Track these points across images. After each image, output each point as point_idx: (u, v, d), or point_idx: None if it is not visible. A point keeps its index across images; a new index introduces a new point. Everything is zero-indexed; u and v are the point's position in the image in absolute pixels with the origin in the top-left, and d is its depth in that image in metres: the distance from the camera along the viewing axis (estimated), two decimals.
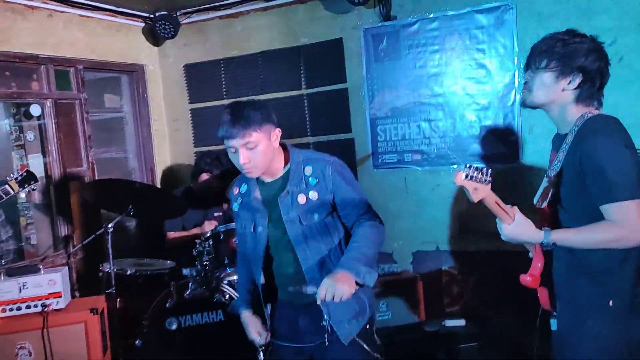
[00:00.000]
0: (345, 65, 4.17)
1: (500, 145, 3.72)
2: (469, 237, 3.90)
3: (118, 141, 4.75)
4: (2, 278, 2.88)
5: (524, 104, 1.97)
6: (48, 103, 3.95)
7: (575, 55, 1.83)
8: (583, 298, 1.85)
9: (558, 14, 3.46)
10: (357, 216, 2.07)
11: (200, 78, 4.75)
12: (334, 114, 4.25)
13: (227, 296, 3.20)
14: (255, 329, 2.22)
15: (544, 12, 3.50)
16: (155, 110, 4.85)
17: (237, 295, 2.72)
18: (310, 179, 2.07)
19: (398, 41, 3.94)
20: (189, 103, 4.85)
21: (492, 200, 1.74)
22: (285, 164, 2.13)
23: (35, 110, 3.90)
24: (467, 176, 1.66)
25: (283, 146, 2.16)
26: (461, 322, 3.02)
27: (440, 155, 3.93)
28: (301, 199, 2.06)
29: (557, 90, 1.87)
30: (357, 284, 1.86)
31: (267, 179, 2.15)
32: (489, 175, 1.69)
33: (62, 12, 3.99)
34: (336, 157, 2.14)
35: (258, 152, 1.99)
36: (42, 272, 2.95)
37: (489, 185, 1.71)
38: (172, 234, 3.94)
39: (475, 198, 1.70)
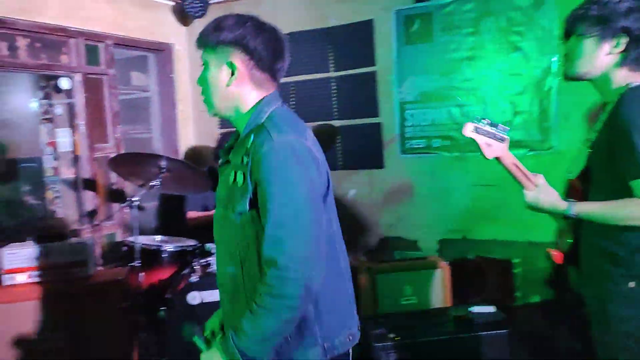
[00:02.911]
0: (374, 47, 4.10)
1: (534, 131, 3.62)
2: (497, 226, 3.81)
3: (143, 120, 4.74)
4: (31, 244, 2.88)
5: (565, 77, 1.87)
6: (77, 77, 3.94)
7: (614, 16, 1.72)
8: (606, 280, 1.75)
9: None
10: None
11: None
12: (361, 98, 4.18)
13: None
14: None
15: None
16: (181, 90, 4.83)
17: None
18: (245, 154, 1.44)
19: (431, 23, 3.86)
20: None
21: (509, 161, 1.66)
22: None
23: (65, 83, 3.88)
24: (476, 129, 1.58)
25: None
26: (490, 309, 2.95)
27: (470, 142, 3.80)
28: (231, 177, 1.47)
29: (600, 57, 1.75)
30: None
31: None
32: (504, 132, 1.60)
33: None
34: (293, 139, 1.40)
35: (203, 78, 1.55)
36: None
37: (505, 143, 1.62)
38: (192, 214, 3.91)
39: (488, 154, 1.63)
